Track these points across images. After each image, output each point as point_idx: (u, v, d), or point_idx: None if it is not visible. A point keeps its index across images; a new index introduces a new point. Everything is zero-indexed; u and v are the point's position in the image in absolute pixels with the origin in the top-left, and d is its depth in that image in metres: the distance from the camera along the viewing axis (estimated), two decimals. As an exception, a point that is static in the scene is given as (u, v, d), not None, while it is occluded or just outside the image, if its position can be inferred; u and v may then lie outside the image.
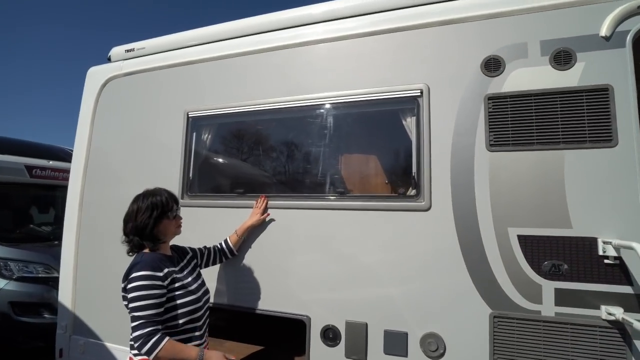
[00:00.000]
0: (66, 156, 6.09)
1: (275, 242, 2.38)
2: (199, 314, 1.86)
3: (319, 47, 2.43)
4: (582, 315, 1.78)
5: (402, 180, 2.24)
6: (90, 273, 2.88)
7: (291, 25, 2.52)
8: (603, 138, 1.84)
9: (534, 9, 2.02)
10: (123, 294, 1.76)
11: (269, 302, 2.34)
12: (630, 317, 1.65)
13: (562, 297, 1.82)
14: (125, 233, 1.85)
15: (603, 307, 1.75)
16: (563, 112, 1.90)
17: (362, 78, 2.30)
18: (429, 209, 2.07)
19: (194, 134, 2.75)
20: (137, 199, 1.89)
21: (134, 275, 1.69)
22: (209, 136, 2.79)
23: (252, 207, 2.45)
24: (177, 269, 1.86)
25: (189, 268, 1.98)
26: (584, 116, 1.88)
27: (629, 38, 1.87)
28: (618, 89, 1.85)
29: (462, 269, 1.98)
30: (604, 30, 1.90)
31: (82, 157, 3.02)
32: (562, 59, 1.95)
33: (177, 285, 1.79)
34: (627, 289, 1.74)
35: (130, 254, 1.87)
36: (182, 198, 2.64)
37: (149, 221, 1.80)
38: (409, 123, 2.23)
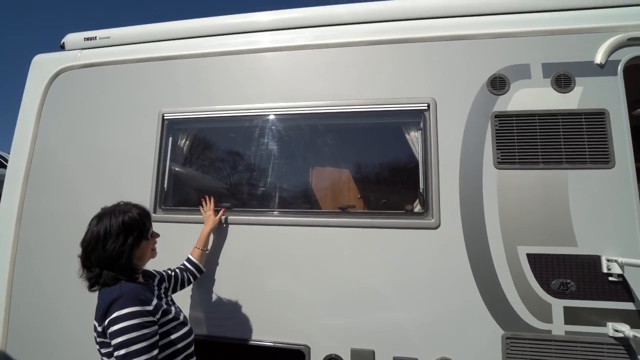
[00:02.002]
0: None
1: (267, 263, 2.14)
2: (192, 348, 1.55)
3: (319, 52, 2.28)
4: (590, 333, 1.80)
5: (409, 196, 2.15)
6: (30, 305, 2.36)
7: (290, 26, 2.35)
8: (602, 159, 1.92)
9: (536, 32, 2.08)
10: (100, 339, 1.36)
11: (260, 331, 2.07)
12: (637, 333, 1.69)
13: (571, 316, 1.83)
14: (86, 265, 1.43)
15: (609, 325, 1.79)
16: (565, 133, 1.96)
17: (366, 88, 2.19)
18: (438, 226, 1.99)
19: (170, 138, 2.42)
20: (101, 219, 1.45)
21: (117, 314, 1.30)
22: (188, 142, 2.48)
23: (238, 224, 2.19)
24: (156, 298, 1.49)
25: (163, 296, 1.62)
26: (584, 138, 1.95)
27: (620, 67, 2.00)
28: (613, 113, 1.95)
29: (473, 289, 1.92)
30: (598, 58, 2.01)
31: (23, 162, 2.50)
32: (563, 82, 2.02)
33: (169, 317, 1.46)
34: (631, 306, 1.79)
35: (93, 289, 1.44)
36: (155, 212, 2.29)
37: (123, 249, 1.41)
38: (414, 137, 2.17)
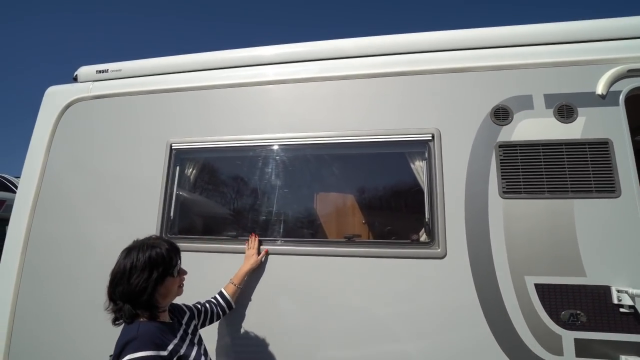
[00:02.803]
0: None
1: (270, 293, 2.13)
2: None
3: (325, 84, 2.34)
4: (602, 366, 1.77)
5: (415, 225, 2.15)
6: (31, 334, 2.35)
7: (294, 60, 2.42)
8: (607, 189, 1.93)
9: (538, 64, 2.13)
10: None
11: (266, 362, 2.05)
12: (651, 368, 1.66)
13: (582, 348, 1.80)
14: (112, 298, 1.42)
15: (623, 357, 1.75)
16: (570, 163, 1.98)
17: (371, 118, 2.23)
18: (444, 256, 1.99)
19: (177, 167, 2.46)
20: (129, 252, 1.45)
21: (129, 357, 1.27)
22: (195, 171, 2.52)
23: (241, 252, 2.20)
24: (177, 339, 1.48)
25: (189, 335, 1.60)
26: (588, 167, 1.96)
27: (621, 97, 2.03)
28: (617, 142, 1.97)
29: (480, 320, 1.90)
30: (600, 89, 2.05)
31: (32, 189, 2.55)
32: (565, 112, 2.05)
33: None
34: (642, 338, 1.77)
35: (117, 323, 1.43)
36: (161, 240, 2.30)
37: (146, 284, 1.39)
38: (420, 167, 2.19)
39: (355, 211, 2.32)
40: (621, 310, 1.79)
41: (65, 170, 2.56)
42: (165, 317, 1.53)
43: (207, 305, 1.93)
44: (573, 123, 2.04)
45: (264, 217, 2.33)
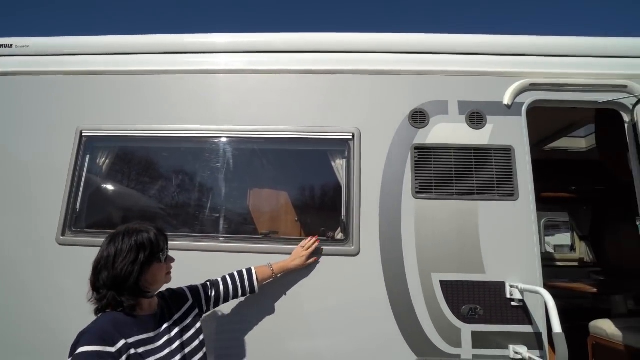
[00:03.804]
0: None
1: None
2: None
3: (249, 77, 2.29)
4: (494, 356, 1.90)
5: (333, 223, 2.17)
6: None
7: (221, 50, 2.35)
8: (507, 191, 2.08)
9: (454, 72, 2.25)
10: None
11: None
12: (533, 355, 1.81)
13: (478, 340, 1.93)
14: (96, 287, 1.35)
15: (511, 347, 1.90)
16: (477, 167, 2.11)
17: (296, 115, 2.22)
18: (358, 254, 2.03)
19: (87, 156, 2.28)
20: (115, 237, 1.38)
21: (77, 351, 1.19)
22: (108, 161, 2.35)
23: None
24: (150, 335, 1.37)
25: (177, 329, 1.50)
26: (493, 171, 2.10)
27: (524, 108, 2.20)
28: (518, 150, 2.13)
29: (389, 316, 1.96)
30: (506, 100, 2.20)
31: None
32: (476, 119, 2.18)
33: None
34: (529, 329, 1.92)
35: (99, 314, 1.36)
36: (64, 234, 2.13)
37: (132, 268, 1.33)
38: (339, 165, 2.22)
39: (274, 207, 2.30)
40: (512, 304, 1.94)
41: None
42: (148, 309, 1.45)
43: (227, 281, 1.82)
44: (482, 129, 2.17)
45: (178, 213, 2.24)
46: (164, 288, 1.56)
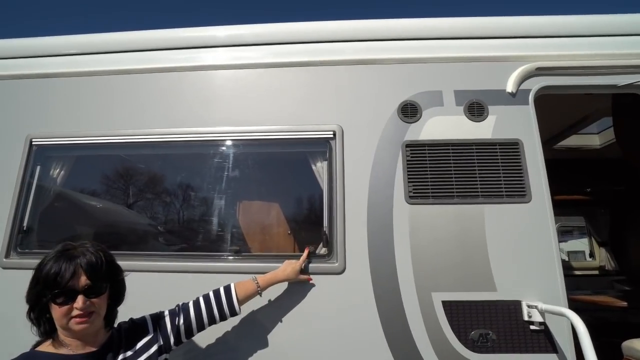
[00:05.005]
0: None
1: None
2: None
3: (216, 74, 2.03)
4: (513, 394, 1.56)
5: (313, 236, 1.86)
6: None
7: (183, 46, 2.09)
8: (518, 193, 1.77)
9: (448, 58, 1.97)
10: None
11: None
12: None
13: (491, 374, 1.59)
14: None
15: (533, 383, 1.56)
16: (480, 165, 1.81)
17: (268, 113, 1.95)
18: (343, 271, 1.72)
19: (38, 167, 2.02)
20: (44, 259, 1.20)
21: None
22: (62, 172, 2.08)
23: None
24: None
25: None
26: (499, 169, 1.80)
27: (531, 96, 1.91)
28: (527, 143, 1.83)
29: (382, 344, 1.63)
30: (509, 87, 1.92)
31: None
32: (476, 110, 1.89)
33: None
34: (553, 358, 1.58)
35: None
36: (8, 256, 1.85)
37: (35, 302, 1.16)
38: (320, 168, 1.93)
39: (245, 220, 2.00)
40: (531, 327, 1.61)
41: None
42: (93, 343, 1.22)
43: (199, 304, 1.48)
44: (483, 122, 1.88)
45: (138, 229, 1.95)
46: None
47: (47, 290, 1.13)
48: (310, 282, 1.70)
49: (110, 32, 2.16)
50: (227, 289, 1.54)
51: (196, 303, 1.49)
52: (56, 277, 1.13)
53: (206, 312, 1.47)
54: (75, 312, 1.14)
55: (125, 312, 1.38)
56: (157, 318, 1.42)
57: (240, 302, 1.53)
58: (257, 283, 1.58)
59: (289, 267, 1.65)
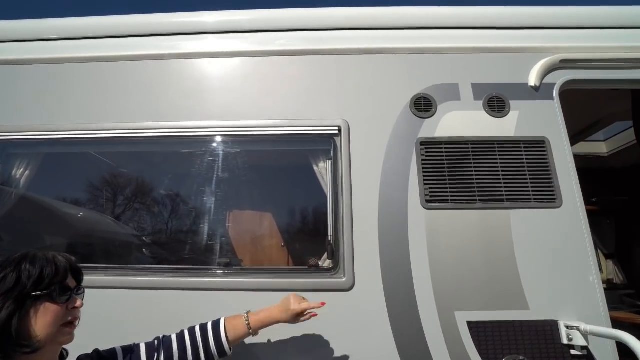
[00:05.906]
0: None
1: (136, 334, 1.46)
2: None
3: (203, 62, 1.81)
4: None
5: (316, 247, 1.62)
6: None
7: (166, 32, 1.87)
8: (547, 196, 1.57)
9: (465, 49, 1.79)
10: None
11: None
12: None
13: (528, 409, 1.35)
14: None
15: (577, 419, 1.32)
16: (504, 164, 1.61)
17: (265, 107, 1.73)
18: (351, 287, 1.48)
19: (-4, 168, 1.76)
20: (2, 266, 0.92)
21: None
22: (26, 172, 1.81)
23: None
24: None
25: None
26: (525, 170, 1.60)
27: (555, 90, 1.73)
28: (554, 141, 1.64)
29: (398, 374, 1.39)
30: (532, 80, 1.74)
31: None
32: (496, 105, 1.70)
33: None
34: (600, 391, 1.35)
35: None
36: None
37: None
38: (323, 169, 1.71)
39: (237, 229, 1.75)
40: (572, 352, 1.38)
41: None
42: None
43: (184, 339, 1.22)
44: (505, 118, 1.69)
45: (112, 239, 1.69)
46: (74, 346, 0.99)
47: (36, 288, 0.90)
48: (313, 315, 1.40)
49: (86, 16, 1.92)
50: (216, 325, 1.27)
51: (180, 337, 1.23)
52: (48, 275, 0.92)
53: (191, 349, 1.21)
54: (69, 317, 0.95)
55: (90, 341, 1.11)
56: (131, 351, 1.16)
57: (231, 342, 1.26)
58: (248, 324, 1.28)
59: (286, 311, 1.30)
